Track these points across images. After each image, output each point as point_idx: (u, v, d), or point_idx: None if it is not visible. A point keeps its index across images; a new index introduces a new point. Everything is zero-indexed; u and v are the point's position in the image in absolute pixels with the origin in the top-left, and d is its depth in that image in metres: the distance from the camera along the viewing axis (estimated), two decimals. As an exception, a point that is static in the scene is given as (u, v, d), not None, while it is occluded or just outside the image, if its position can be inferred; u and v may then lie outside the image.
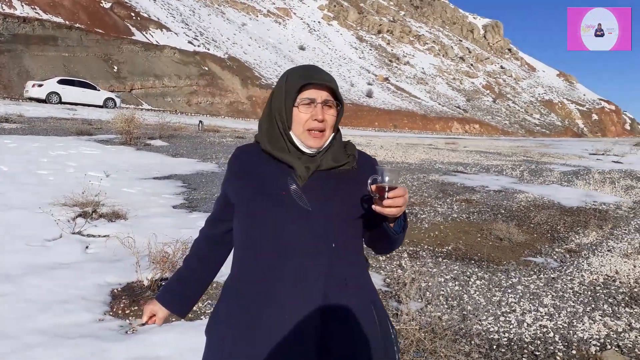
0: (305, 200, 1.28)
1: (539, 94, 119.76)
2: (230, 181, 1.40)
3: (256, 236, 1.30)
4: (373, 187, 1.22)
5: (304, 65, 1.39)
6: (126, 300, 3.44)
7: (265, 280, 1.27)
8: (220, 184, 1.51)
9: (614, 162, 15.97)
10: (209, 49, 57.16)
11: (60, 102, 23.69)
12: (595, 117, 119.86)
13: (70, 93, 24.19)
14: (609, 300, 4.04)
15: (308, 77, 1.31)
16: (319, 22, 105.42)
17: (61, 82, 24.49)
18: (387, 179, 1.22)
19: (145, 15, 55.29)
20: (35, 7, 40.99)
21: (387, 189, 1.21)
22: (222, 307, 1.38)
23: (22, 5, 40.08)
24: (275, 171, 1.33)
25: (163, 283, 3.72)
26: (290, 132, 1.33)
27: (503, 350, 3.15)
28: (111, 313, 3.26)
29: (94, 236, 4.73)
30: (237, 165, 1.41)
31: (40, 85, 23.63)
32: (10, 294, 3.33)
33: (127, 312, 3.30)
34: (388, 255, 4.82)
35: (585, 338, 3.37)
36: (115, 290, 3.58)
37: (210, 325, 1.41)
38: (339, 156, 1.35)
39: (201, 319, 3.23)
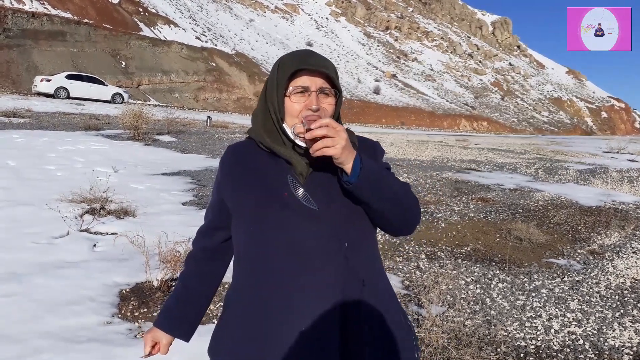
0: (309, 199, 1.15)
1: (548, 91, 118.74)
2: (225, 185, 1.25)
3: (262, 244, 1.16)
4: (298, 129, 1.14)
5: (298, 50, 1.24)
6: (135, 302, 3.31)
7: (279, 289, 1.13)
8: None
9: (630, 160, 15.68)
10: (216, 45, 57.13)
11: (69, 97, 23.73)
12: (604, 115, 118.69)
13: (78, 88, 24.22)
14: (639, 305, 3.86)
15: (300, 62, 1.17)
16: (326, 18, 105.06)
17: (69, 77, 24.54)
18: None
19: (153, 10, 55.33)
20: (44, 2, 41.09)
21: (304, 123, 1.12)
22: (229, 321, 1.23)
23: (31, 1, 40.18)
24: (273, 169, 1.20)
25: (173, 284, 3.59)
26: (284, 125, 1.19)
27: (532, 359, 2.98)
28: (120, 315, 3.13)
29: (101, 234, 4.61)
30: (231, 166, 1.26)
31: (48, 80, 23.71)
32: (18, 294, 3.21)
33: (136, 314, 3.17)
34: (405, 257, 4.66)
35: (617, 346, 3.19)
36: (124, 291, 3.45)
37: (217, 343, 1.25)
38: None
39: (213, 322, 3.09)
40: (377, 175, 1.13)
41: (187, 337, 1.38)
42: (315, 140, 1.06)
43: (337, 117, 1.23)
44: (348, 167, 1.08)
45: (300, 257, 1.13)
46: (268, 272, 1.15)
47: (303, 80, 1.17)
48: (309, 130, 1.06)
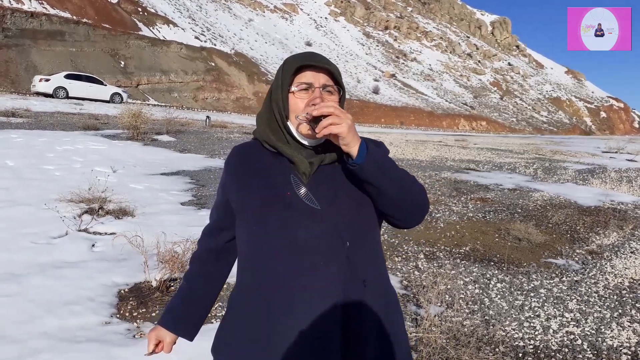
0: (312, 198, 1.16)
1: (547, 91, 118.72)
2: (230, 185, 1.27)
3: (264, 244, 1.17)
4: (302, 114, 1.14)
5: (302, 52, 1.27)
6: (134, 302, 3.31)
7: (280, 290, 1.14)
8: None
9: (629, 160, 15.69)
10: (215, 45, 57.10)
11: (67, 97, 23.68)
12: (603, 114, 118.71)
13: (77, 88, 24.16)
14: (637, 305, 3.86)
15: (304, 60, 1.20)
16: (325, 18, 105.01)
17: (68, 76, 24.47)
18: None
19: (152, 10, 55.31)
20: (43, 1, 41.06)
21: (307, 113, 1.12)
22: (232, 321, 1.24)
23: (30, 0, 40.12)
24: (276, 168, 1.22)
25: (172, 284, 3.59)
26: (288, 122, 1.20)
27: (530, 358, 2.99)
28: (118, 315, 3.13)
29: (100, 234, 4.61)
30: (235, 166, 1.28)
31: (47, 80, 23.65)
32: (16, 295, 3.21)
33: (134, 314, 3.17)
34: (404, 257, 4.66)
35: (615, 346, 3.19)
36: (123, 291, 3.45)
37: (219, 343, 1.27)
38: None
39: (212, 322, 3.09)
40: (384, 157, 1.14)
41: (190, 337, 1.39)
42: (320, 121, 1.08)
43: None
44: (354, 149, 1.09)
45: (302, 256, 1.13)
46: (271, 272, 1.16)
47: (307, 77, 1.19)
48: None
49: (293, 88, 1.19)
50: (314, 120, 1.09)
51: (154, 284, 3.50)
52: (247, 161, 1.27)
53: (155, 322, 3.05)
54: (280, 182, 1.19)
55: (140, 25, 49.73)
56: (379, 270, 1.25)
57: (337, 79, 1.21)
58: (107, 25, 44.08)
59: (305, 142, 1.20)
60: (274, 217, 1.16)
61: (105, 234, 4.61)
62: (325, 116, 1.08)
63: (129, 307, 3.23)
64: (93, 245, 4.27)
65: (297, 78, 1.19)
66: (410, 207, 1.21)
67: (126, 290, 3.48)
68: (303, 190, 1.17)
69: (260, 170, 1.23)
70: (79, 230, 4.58)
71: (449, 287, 3.89)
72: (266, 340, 1.14)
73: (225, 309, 1.31)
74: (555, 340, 3.22)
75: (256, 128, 1.29)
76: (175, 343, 1.40)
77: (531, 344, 3.15)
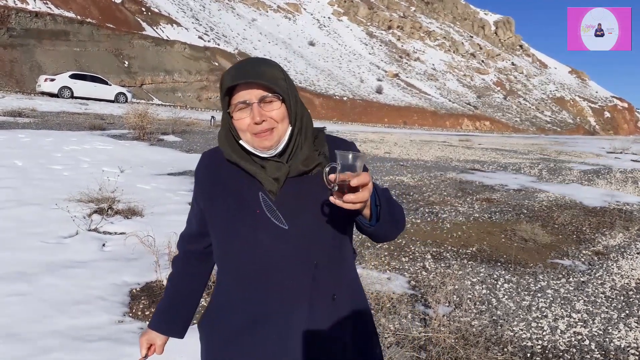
0: (280, 217, 1.15)
1: (551, 91, 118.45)
2: (200, 197, 1.27)
3: (233, 260, 1.18)
4: (331, 176, 1.00)
5: (237, 63, 1.19)
6: (145, 301, 3.34)
7: (247, 306, 1.17)
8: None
9: (634, 160, 15.66)
10: (219, 44, 57.19)
11: (72, 97, 23.78)
12: (607, 114, 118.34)
13: (82, 87, 24.27)
14: (644, 306, 3.88)
15: (234, 77, 1.13)
16: (329, 17, 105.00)
17: (73, 76, 24.57)
18: (350, 163, 1.01)
19: (156, 10, 55.41)
20: (47, 1, 41.19)
21: (335, 180, 1.00)
22: (213, 318, 1.28)
23: (34, 0, 40.27)
24: (246, 184, 1.19)
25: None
26: (240, 141, 1.17)
27: (538, 359, 3.00)
28: (130, 314, 3.16)
29: (110, 233, 4.65)
30: (204, 178, 1.27)
31: (52, 80, 23.75)
32: (27, 294, 3.24)
33: (147, 313, 3.20)
34: (411, 257, 4.69)
35: (622, 347, 3.21)
36: (134, 291, 3.48)
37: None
38: (309, 158, 1.17)
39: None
40: (389, 206, 1.12)
41: (180, 335, 1.43)
42: (342, 190, 1.00)
43: (294, 120, 1.17)
44: (367, 210, 1.08)
45: (270, 275, 1.15)
46: (240, 286, 1.19)
47: (241, 95, 1.13)
48: (343, 191, 1.00)
49: (230, 111, 1.15)
50: (338, 187, 1.01)
51: (166, 283, 3.53)
52: (217, 173, 1.24)
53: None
54: (250, 199, 1.17)
55: (144, 25, 49.83)
56: (349, 282, 1.27)
57: (273, 88, 1.12)
58: (111, 25, 44.19)
59: (265, 155, 1.16)
60: (243, 235, 1.16)
61: (115, 233, 4.64)
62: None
63: (140, 306, 3.26)
64: (103, 245, 4.30)
65: (233, 99, 1.15)
66: (394, 235, 1.23)
67: (137, 289, 3.51)
68: (271, 209, 1.16)
69: (230, 184, 1.20)
70: (89, 230, 4.62)
71: (456, 287, 3.91)
72: (235, 349, 1.19)
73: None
74: (563, 340, 3.24)
75: (219, 141, 1.25)
76: (166, 344, 1.43)
77: (539, 344, 3.17)
